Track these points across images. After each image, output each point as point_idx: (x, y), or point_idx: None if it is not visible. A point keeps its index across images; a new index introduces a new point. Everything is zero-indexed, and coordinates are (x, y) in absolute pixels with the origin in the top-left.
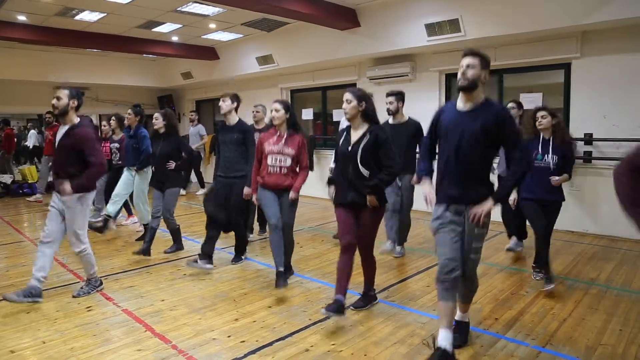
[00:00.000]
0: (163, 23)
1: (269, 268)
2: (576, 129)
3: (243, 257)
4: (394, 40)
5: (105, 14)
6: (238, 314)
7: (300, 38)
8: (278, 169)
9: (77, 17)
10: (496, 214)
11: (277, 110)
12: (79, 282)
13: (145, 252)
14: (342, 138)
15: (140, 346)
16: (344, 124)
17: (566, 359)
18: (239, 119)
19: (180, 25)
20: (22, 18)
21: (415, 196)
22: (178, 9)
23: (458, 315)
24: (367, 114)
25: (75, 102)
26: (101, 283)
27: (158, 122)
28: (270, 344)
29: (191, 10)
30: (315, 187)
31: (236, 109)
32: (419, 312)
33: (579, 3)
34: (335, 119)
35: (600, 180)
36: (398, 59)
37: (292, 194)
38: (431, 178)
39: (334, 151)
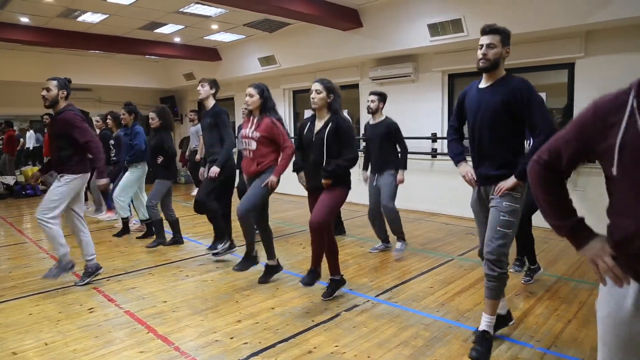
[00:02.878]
0: (165, 24)
1: None
2: None
3: (219, 247)
4: (397, 41)
5: (108, 16)
6: (241, 315)
7: (303, 39)
8: (247, 153)
9: (80, 19)
10: None
11: (251, 96)
12: None
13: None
14: (307, 127)
15: (142, 348)
16: (308, 113)
17: None
18: (215, 104)
19: (182, 27)
20: (25, 20)
21: (422, 194)
22: (180, 10)
23: (482, 320)
24: (334, 106)
25: (65, 92)
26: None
27: (154, 121)
28: (273, 345)
29: (193, 12)
30: None
31: (214, 95)
32: (422, 314)
33: (583, 2)
34: None
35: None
36: (400, 59)
37: (272, 177)
38: (465, 159)
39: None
